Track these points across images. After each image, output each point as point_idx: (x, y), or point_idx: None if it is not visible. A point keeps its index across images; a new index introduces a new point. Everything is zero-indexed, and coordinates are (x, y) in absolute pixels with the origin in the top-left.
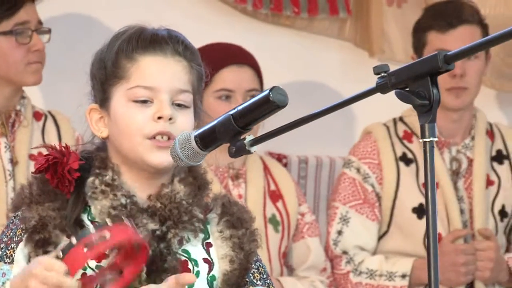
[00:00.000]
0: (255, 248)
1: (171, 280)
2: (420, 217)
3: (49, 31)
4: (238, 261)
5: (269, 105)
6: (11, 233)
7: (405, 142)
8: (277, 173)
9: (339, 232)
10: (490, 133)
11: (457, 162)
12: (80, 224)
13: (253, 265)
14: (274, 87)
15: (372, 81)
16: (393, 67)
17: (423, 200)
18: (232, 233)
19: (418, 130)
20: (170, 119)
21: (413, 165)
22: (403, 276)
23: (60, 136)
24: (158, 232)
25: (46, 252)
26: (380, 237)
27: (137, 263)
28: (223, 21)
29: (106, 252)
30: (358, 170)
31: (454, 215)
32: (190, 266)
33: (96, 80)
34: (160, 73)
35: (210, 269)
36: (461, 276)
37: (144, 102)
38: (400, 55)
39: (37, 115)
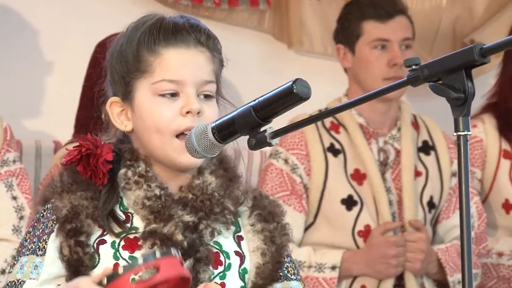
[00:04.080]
0: (287, 242)
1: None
2: (348, 208)
3: None
4: (270, 254)
5: (292, 97)
6: (42, 226)
7: (333, 133)
8: None
9: None
10: (415, 124)
11: (385, 153)
12: (112, 215)
13: (286, 259)
14: (298, 79)
15: (289, 73)
16: (310, 60)
17: (351, 192)
18: (264, 227)
19: (345, 121)
20: (198, 112)
21: (341, 156)
22: (333, 267)
23: None
24: (190, 224)
25: (77, 242)
26: (305, 229)
27: None
28: (142, 11)
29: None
30: (286, 161)
31: (383, 207)
32: (221, 258)
33: (116, 73)
34: (185, 66)
35: (242, 262)
36: (392, 268)
37: (171, 95)
38: (319, 47)
39: None
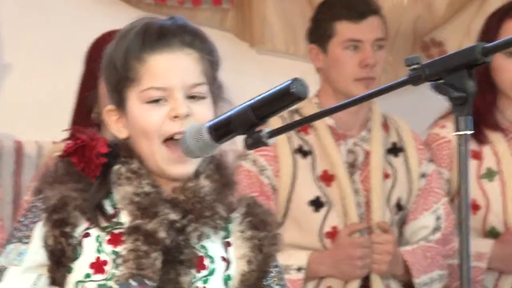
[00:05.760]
0: (275, 252)
1: None
2: (316, 210)
3: None
4: (256, 263)
5: (289, 96)
6: (32, 216)
7: (302, 134)
8: None
9: None
10: (385, 125)
11: (353, 154)
12: (100, 209)
13: (272, 270)
14: (295, 79)
15: (251, 71)
16: (273, 59)
17: (319, 193)
18: (253, 234)
19: (314, 122)
20: (187, 115)
21: (309, 157)
22: (299, 269)
23: None
24: (178, 225)
25: (62, 233)
26: None
27: None
28: (105, 10)
29: None
30: (254, 162)
31: (351, 208)
32: (206, 262)
33: (108, 82)
34: (171, 72)
35: (227, 268)
36: (357, 269)
37: (158, 101)
38: (281, 46)
39: None
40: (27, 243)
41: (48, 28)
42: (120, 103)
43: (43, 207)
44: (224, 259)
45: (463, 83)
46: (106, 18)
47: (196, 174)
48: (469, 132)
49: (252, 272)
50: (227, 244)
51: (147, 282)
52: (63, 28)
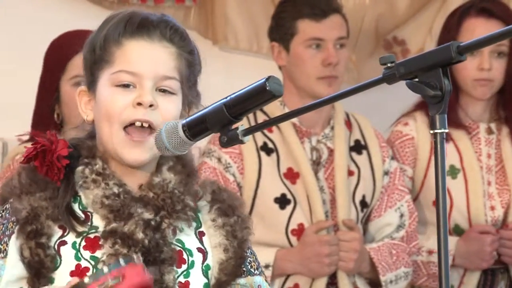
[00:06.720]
0: (248, 236)
1: None
2: (282, 207)
3: None
4: (232, 250)
5: (265, 94)
6: (2, 228)
7: (266, 131)
8: None
9: None
10: (348, 123)
11: (318, 152)
12: (72, 214)
13: (248, 254)
14: (270, 77)
15: (214, 70)
16: (235, 56)
17: (285, 190)
18: (225, 221)
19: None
20: (150, 105)
21: (274, 155)
22: (266, 266)
23: None
24: (153, 223)
25: (38, 244)
26: None
27: None
28: (68, 8)
29: None
30: (219, 159)
31: (317, 206)
32: (184, 256)
33: (86, 63)
34: (144, 59)
35: (204, 259)
36: (325, 267)
37: (127, 86)
38: (244, 44)
39: None
40: (3, 257)
41: (8, 27)
42: (91, 85)
43: (13, 219)
44: (200, 250)
45: (439, 81)
46: (69, 16)
47: (158, 167)
48: (445, 131)
49: (230, 259)
50: (201, 234)
51: (135, 258)
52: (26, 26)
